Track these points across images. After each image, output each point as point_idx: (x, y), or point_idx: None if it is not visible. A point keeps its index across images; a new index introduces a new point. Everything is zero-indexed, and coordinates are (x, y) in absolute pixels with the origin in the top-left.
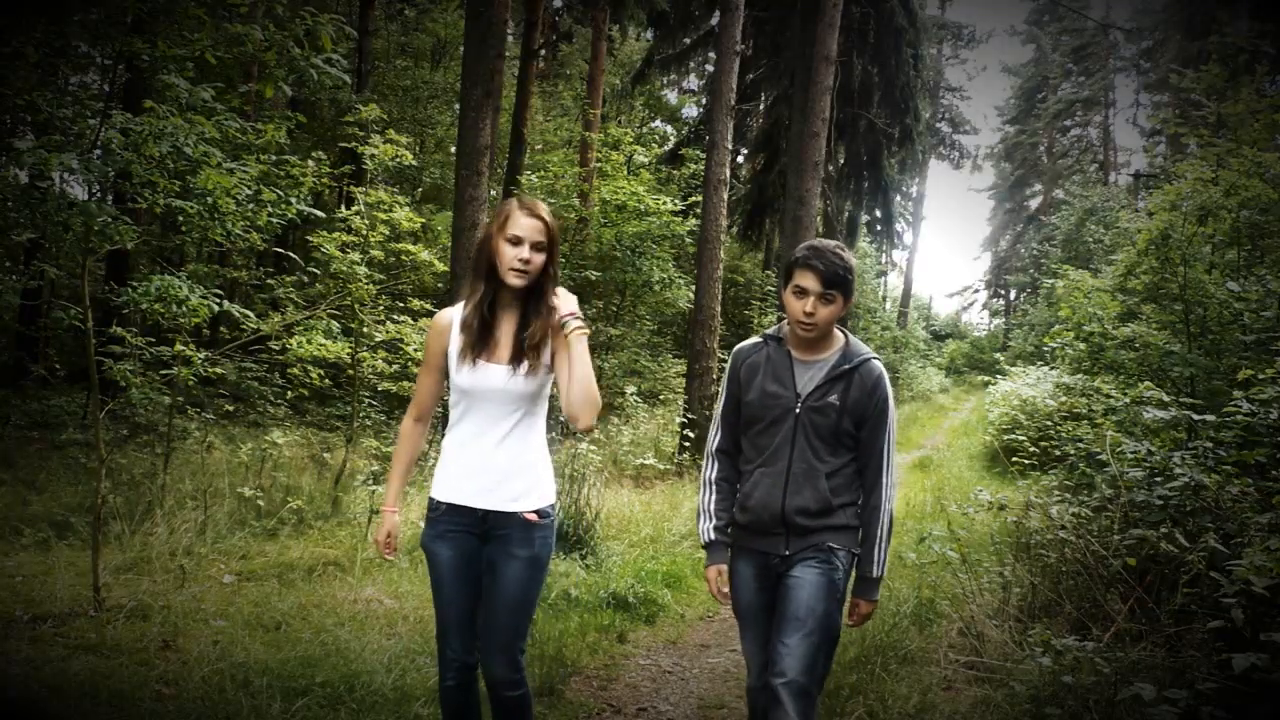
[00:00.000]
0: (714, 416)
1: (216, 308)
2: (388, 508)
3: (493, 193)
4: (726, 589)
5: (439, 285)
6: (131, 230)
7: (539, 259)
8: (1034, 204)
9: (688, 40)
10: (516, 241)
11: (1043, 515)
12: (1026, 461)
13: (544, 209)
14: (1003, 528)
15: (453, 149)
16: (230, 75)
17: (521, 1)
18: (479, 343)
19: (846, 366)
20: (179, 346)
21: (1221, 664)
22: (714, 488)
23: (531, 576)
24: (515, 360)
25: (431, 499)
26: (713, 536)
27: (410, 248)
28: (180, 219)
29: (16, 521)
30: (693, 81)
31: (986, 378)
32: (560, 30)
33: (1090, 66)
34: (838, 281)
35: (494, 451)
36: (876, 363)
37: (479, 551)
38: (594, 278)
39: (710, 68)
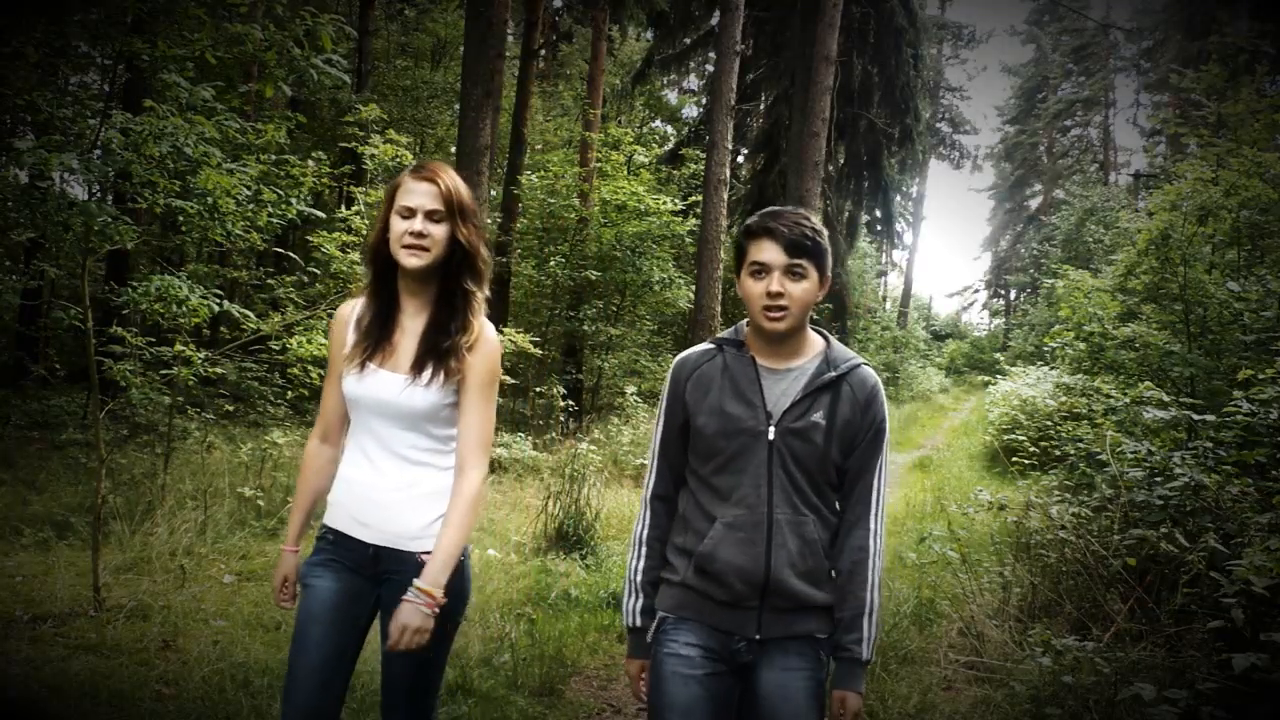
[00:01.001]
0: (651, 451)
1: (216, 308)
2: (287, 547)
3: (493, 193)
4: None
5: None
6: (131, 230)
7: (438, 231)
8: (1034, 204)
9: (688, 40)
10: (408, 214)
11: (1043, 515)
12: (1026, 461)
13: (443, 170)
14: (1003, 528)
15: (453, 149)
16: (230, 75)
17: (521, 1)
18: (371, 341)
19: (832, 374)
20: (179, 346)
21: (1221, 664)
22: (643, 550)
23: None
24: (417, 367)
25: (322, 524)
26: (638, 621)
27: None
28: (180, 219)
29: (16, 521)
30: (693, 81)
31: (986, 378)
32: (560, 30)
33: (1090, 66)
34: (805, 248)
35: (386, 478)
36: (869, 370)
37: (365, 594)
38: (594, 278)
39: (710, 68)
